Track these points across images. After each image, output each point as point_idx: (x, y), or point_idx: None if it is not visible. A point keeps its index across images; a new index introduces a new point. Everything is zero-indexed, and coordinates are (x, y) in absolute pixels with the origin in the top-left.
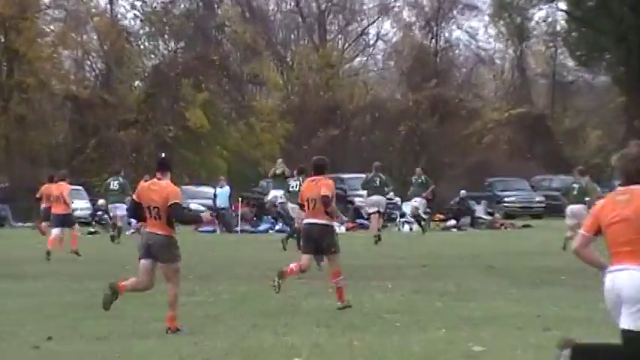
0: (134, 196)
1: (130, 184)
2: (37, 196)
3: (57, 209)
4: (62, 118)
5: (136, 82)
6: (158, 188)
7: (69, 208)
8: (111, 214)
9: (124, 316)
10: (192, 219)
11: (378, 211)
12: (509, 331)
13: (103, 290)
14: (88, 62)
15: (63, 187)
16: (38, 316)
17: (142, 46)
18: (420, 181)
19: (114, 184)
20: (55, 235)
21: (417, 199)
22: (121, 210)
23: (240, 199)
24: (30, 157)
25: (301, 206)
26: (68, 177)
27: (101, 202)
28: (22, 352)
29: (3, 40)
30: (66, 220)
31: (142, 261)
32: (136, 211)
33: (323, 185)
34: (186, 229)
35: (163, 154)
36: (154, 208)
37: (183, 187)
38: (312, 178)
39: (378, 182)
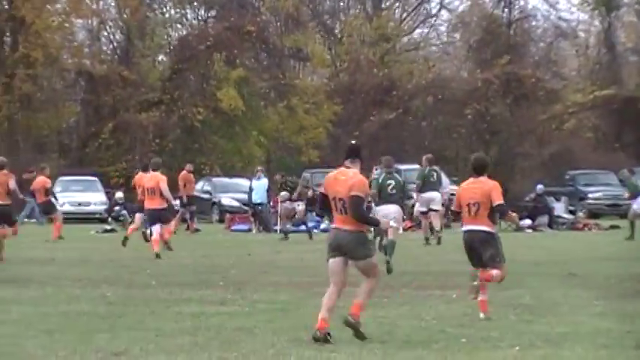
0: (321, 189)
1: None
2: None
3: (151, 203)
4: (74, 98)
5: (160, 57)
6: (345, 178)
7: (164, 202)
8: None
9: (145, 328)
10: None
11: (431, 210)
12: (594, 351)
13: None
14: (105, 33)
15: (159, 178)
16: (45, 327)
17: (166, 15)
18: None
19: None
20: (156, 233)
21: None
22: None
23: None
24: (37, 142)
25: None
26: (160, 166)
27: (119, 195)
28: None
29: (7, 7)
30: (162, 216)
31: (332, 260)
32: (324, 205)
33: (494, 190)
34: (216, 228)
35: (353, 141)
36: (340, 200)
37: (214, 179)
38: (474, 179)
39: (435, 177)
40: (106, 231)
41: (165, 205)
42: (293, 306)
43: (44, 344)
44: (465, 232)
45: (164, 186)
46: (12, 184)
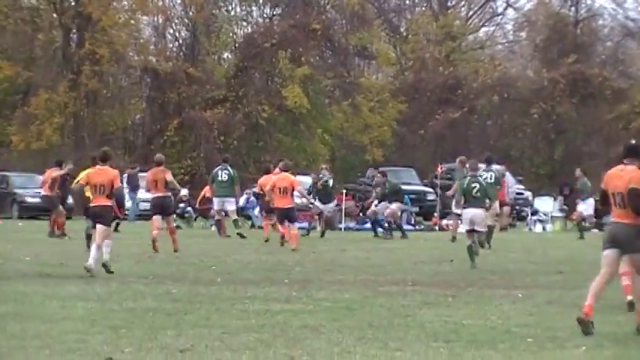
0: (602, 185)
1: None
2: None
3: (282, 203)
4: (139, 95)
5: (226, 54)
6: (623, 174)
7: (292, 202)
8: (216, 208)
9: (211, 325)
10: None
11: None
12: None
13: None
14: (171, 30)
15: (292, 180)
16: (111, 323)
17: (232, 12)
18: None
19: (222, 175)
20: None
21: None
22: (231, 204)
23: (343, 191)
24: (102, 139)
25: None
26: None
27: (184, 192)
28: None
29: (73, 4)
30: (290, 215)
31: (607, 252)
32: (604, 201)
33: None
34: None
35: (633, 141)
36: (618, 194)
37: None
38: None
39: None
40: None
41: (293, 204)
42: (358, 304)
43: (110, 340)
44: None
45: (299, 187)
46: (169, 176)
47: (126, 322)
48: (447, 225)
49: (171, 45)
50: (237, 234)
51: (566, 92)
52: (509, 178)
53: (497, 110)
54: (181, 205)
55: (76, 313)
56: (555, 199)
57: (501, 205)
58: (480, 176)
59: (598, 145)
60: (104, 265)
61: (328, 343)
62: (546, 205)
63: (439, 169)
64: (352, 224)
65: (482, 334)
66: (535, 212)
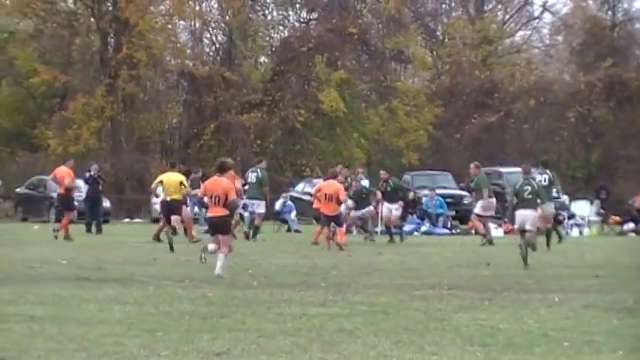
0: None
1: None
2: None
3: (326, 209)
4: (176, 99)
5: (262, 58)
6: None
7: (338, 209)
8: (248, 211)
9: (247, 329)
10: None
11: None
12: None
13: None
14: (207, 35)
15: (336, 187)
16: (148, 327)
17: (269, 17)
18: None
19: (251, 177)
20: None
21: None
22: (259, 207)
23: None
24: (140, 142)
25: None
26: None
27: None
28: None
29: (111, 9)
30: (337, 221)
31: None
32: None
33: None
34: (312, 230)
35: None
36: None
37: (314, 180)
38: None
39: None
40: (207, 232)
41: (338, 212)
42: (394, 308)
43: (146, 344)
44: None
45: (342, 194)
46: (237, 184)
47: (162, 325)
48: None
49: (207, 49)
50: (245, 234)
51: (603, 96)
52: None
53: (534, 114)
54: None
55: (113, 316)
56: (592, 202)
57: None
58: (533, 179)
59: (635, 148)
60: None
61: (364, 346)
62: (583, 209)
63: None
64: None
65: (518, 337)
66: (572, 216)
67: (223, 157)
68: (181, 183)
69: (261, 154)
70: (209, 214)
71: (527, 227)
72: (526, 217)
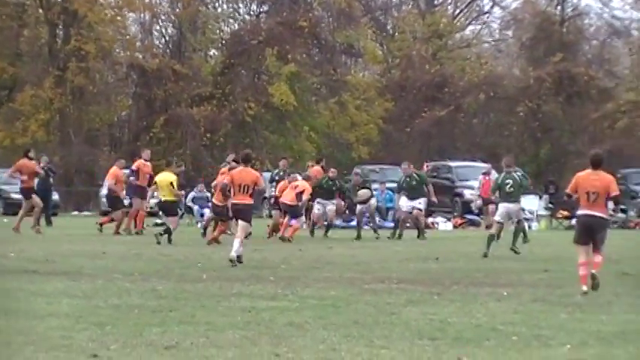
0: None
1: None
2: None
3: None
4: (126, 92)
5: (212, 51)
6: None
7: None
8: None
9: (196, 322)
10: None
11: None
12: None
13: None
14: (157, 27)
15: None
16: (96, 320)
17: (219, 9)
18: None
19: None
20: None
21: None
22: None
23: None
24: (88, 135)
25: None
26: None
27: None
28: None
29: (60, 0)
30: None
31: None
32: None
33: (613, 182)
34: (263, 223)
35: None
36: None
37: (265, 173)
38: (592, 171)
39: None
40: (157, 225)
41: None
42: (344, 302)
43: (95, 337)
44: (584, 215)
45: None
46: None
47: (111, 318)
48: (433, 223)
49: (157, 42)
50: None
51: (552, 91)
52: (494, 176)
53: (484, 108)
54: None
55: (62, 309)
56: (541, 197)
57: (487, 203)
58: (516, 172)
59: (583, 143)
60: (232, 260)
61: (313, 340)
62: (532, 203)
63: (425, 167)
64: (339, 221)
65: (467, 331)
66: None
67: (248, 150)
68: (171, 183)
69: (210, 147)
70: (234, 201)
71: (514, 219)
72: (510, 210)
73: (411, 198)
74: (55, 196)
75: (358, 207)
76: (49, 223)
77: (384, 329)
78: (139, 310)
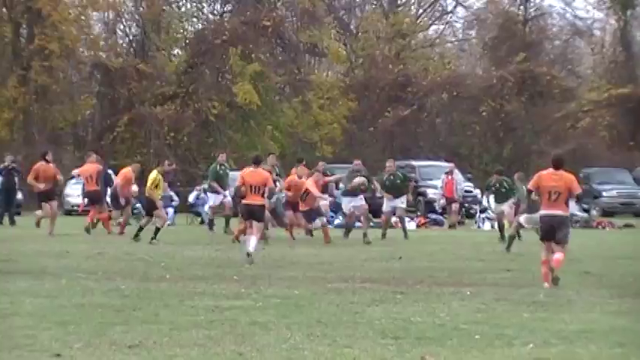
0: None
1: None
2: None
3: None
4: (90, 91)
5: (176, 51)
6: None
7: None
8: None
9: (160, 321)
10: None
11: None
12: (608, 349)
13: None
14: (121, 26)
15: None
16: (60, 319)
17: (182, 9)
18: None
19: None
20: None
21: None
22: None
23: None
24: (52, 134)
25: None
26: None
27: (134, 188)
28: None
29: None
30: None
31: None
32: None
33: (574, 182)
34: (231, 222)
35: None
36: None
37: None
38: (554, 171)
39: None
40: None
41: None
42: (307, 301)
43: (58, 336)
44: (544, 215)
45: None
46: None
47: (75, 318)
48: (396, 223)
49: (121, 41)
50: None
51: (515, 90)
52: (458, 175)
53: (447, 108)
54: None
55: (25, 308)
56: None
57: (450, 202)
58: (508, 177)
59: (546, 143)
60: (248, 254)
61: (277, 339)
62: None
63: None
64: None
65: (430, 331)
66: (484, 210)
67: (257, 152)
68: (152, 181)
69: (174, 146)
70: (246, 202)
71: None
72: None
73: (395, 197)
74: (19, 196)
75: (348, 206)
76: (12, 222)
77: (348, 328)
78: (103, 309)
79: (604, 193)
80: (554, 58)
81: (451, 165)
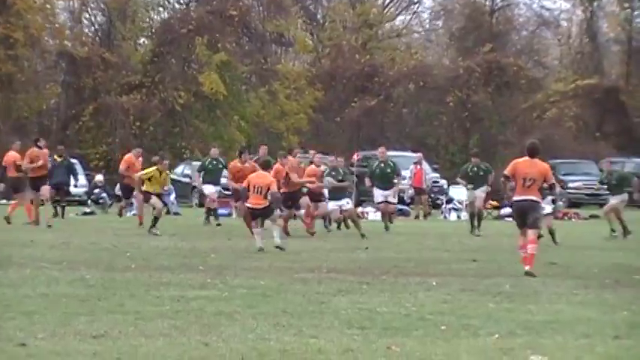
0: None
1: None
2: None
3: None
4: (55, 80)
5: (142, 40)
6: None
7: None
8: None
9: (125, 311)
10: None
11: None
12: (574, 339)
13: None
14: (87, 15)
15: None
16: (25, 309)
17: None
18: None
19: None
20: None
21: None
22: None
23: None
24: (16, 123)
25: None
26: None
27: (99, 178)
28: (6, 350)
29: None
30: None
31: None
32: None
33: (549, 171)
34: (192, 212)
35: None
36: None
37: (194, 162)
38: (530, 159)
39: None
40: (86, 213)
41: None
42: (273, 291)
43: (23, 326)
44: (517, 200)
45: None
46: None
47: (39, 307)
48: (363, 213)
49: (87, 30)
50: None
51: (482, 81)
52: (425, 166)
53: (414, 98)
54: (96, 190)
55: None
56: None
57: (419, 192)
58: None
59: (513, 134)
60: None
61: (243, 329)
62: (461, 193)
63: (355, 157)
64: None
65: (396, 321)
66: (450, 200)
67: (268, 157)
68: (147, 173)
69: (140, 136)
70: (249, 205)
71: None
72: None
73: (384, 188)
74: None
75: (332, 204)
76: None
77: (314, 318)
78: (68, 299)
79: (570, 184)
80: (521, 48)
81: (419, 155)
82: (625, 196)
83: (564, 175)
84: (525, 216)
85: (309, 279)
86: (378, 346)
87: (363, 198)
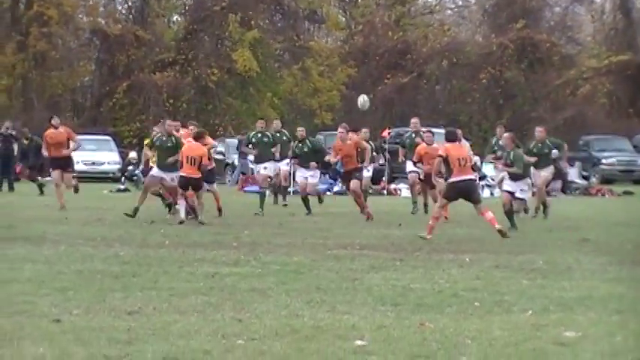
0: None
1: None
2: None
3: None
4: (88, 57)
5: (175, 17)
6: None
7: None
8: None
9: (159, 287)
10: None
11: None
12: (607, 316)
13: None
14: None
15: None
16: (59, 285)
17: None
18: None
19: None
20: None
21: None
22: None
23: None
24: (51, 101)
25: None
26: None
27: (132, 155)
28: (42, 326)
29: None
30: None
31: None
32: None
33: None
34: (228, 189)
35: None
36: None
37: (227, 140)
38: (458, 144)
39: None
40: (120, 190)
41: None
42: (306, 268)
43: (58, 302)
44: (459, 180)
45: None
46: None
47: (74, 284)
48: (395, 189)
49: (120, 7)
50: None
51: (515, 57)
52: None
53: (446, 75)
54: (130, 167)
55: (24, 275)
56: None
57: None
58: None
59: (546, 110)
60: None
61: (276, 306)
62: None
63: (387, 134)
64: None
65: (429, 297)
66: (483, 177)
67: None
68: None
69: (173, 113)
70: (182, 173)
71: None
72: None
73: (305, 167)
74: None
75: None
76: (11, 188)
77: (347, 295)
78: (102, 275)
79: (603, 161)
80: (554, 25)
81: (458, 131)
82: None
83: (597, 151)
84: (467, 195)
85: (342, 255)
86: (411, 323)
87: (395, 174)
